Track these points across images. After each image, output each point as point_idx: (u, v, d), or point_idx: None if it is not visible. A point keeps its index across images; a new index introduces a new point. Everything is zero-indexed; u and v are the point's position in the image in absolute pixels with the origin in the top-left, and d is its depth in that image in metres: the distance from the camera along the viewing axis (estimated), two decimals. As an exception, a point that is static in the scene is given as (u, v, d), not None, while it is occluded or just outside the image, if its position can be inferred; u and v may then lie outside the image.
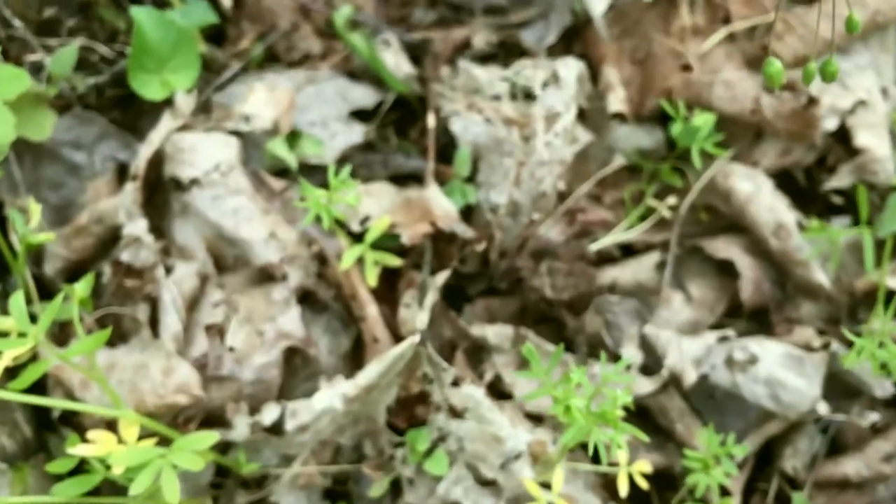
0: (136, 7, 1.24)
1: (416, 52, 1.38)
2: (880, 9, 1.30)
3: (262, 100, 1.28)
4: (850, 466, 1.22)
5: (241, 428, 1.11)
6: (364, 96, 1.36)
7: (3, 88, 1.06)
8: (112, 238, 1.22)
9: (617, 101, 1.31)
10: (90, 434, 0.95)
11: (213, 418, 1.15)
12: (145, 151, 1.23)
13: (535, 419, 1.18)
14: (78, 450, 0.94)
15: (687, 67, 1.31)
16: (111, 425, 1.01)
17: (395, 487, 1.14)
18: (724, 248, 1.29)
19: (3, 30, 1.27)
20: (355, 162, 1.30)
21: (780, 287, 1.29)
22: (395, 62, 1.35)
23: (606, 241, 1.30)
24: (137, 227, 1.18)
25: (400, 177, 1.32)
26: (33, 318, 0.94)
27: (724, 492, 1.18)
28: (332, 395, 1.10)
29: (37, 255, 1.24)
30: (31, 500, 1.00)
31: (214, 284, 1.21)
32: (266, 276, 1.22)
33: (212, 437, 0.96)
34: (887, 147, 1.28)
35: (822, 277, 1.26)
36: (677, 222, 1.31)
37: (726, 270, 1.29)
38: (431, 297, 1.20)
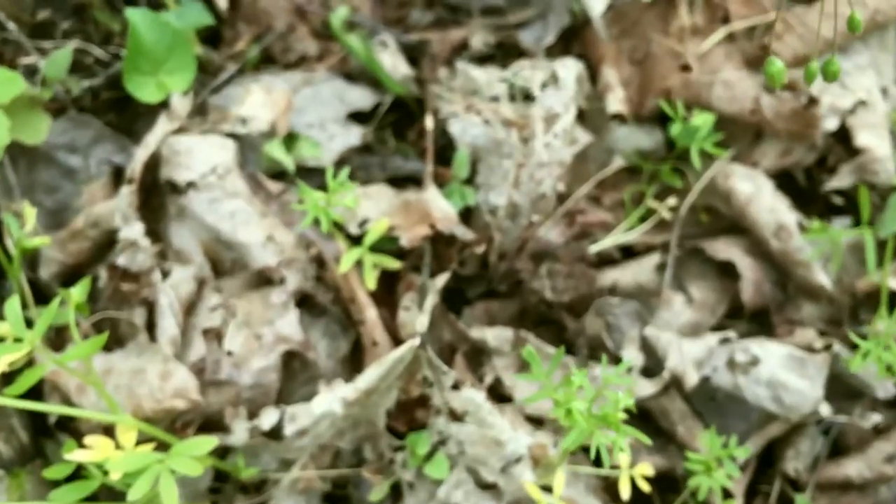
0: (131, 9, 1.23)
1: (413, 54, 1.38)
2: (880, 8, 1.29)
3: (258, 102, 1.28)
4: (853, 468, 1.22)
5: (239, 432, 1.10)
6: (361, 98, 1.35)
7: (-2, 91, 1.06)
8: (108, 242, 1.22)
9: (616, 101, 1.30)
10: (87, 439, 0.95)
11: (212, 423, 1.14)
12: (141, 154, 1.23)
13: (536, 422, 1.18)
14: (75, 455, 0.94)
15: (686, 67, 1.31)
16: (108, 430, 1.00)
17: (396, 491, 1.14)
18: (725, 249, 1.29)
19: (-3, 32, 1.27)
20: (353, 164, 1.30)
21: (782, 288, 1.29)
22: (393, 63, 1.35)
23: (606, 242, 1.29)
24: (133, 230, 1.18)
25: (398, 179, 1.32)
26: (29, 323, 0.94)
27: (727, 494, 1.18)
28: (332, 398, 1.10)
29: (32, 259, 1.23)
30: (27, 506, 0.99)
31: (212, 288, 1.20)
32: (264, 280, 1.21)
33: (210, 441, 0.95)
34: (888, 147, 1.28)
35: (823, 278, 1.25)
36: (677, 223, 1.30)
37: (727, 272, 1.29)
38: (431, 299, 1.19)
